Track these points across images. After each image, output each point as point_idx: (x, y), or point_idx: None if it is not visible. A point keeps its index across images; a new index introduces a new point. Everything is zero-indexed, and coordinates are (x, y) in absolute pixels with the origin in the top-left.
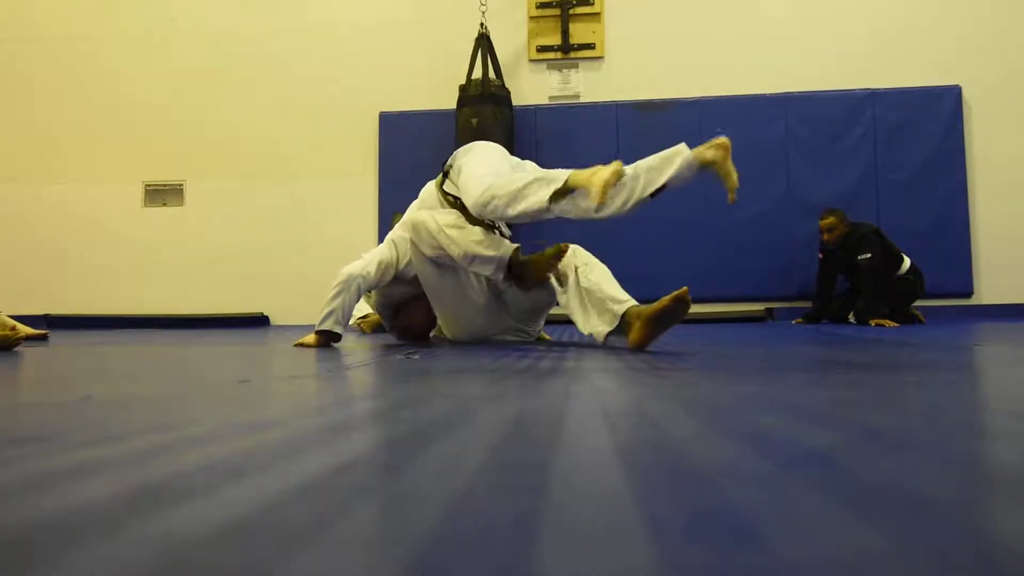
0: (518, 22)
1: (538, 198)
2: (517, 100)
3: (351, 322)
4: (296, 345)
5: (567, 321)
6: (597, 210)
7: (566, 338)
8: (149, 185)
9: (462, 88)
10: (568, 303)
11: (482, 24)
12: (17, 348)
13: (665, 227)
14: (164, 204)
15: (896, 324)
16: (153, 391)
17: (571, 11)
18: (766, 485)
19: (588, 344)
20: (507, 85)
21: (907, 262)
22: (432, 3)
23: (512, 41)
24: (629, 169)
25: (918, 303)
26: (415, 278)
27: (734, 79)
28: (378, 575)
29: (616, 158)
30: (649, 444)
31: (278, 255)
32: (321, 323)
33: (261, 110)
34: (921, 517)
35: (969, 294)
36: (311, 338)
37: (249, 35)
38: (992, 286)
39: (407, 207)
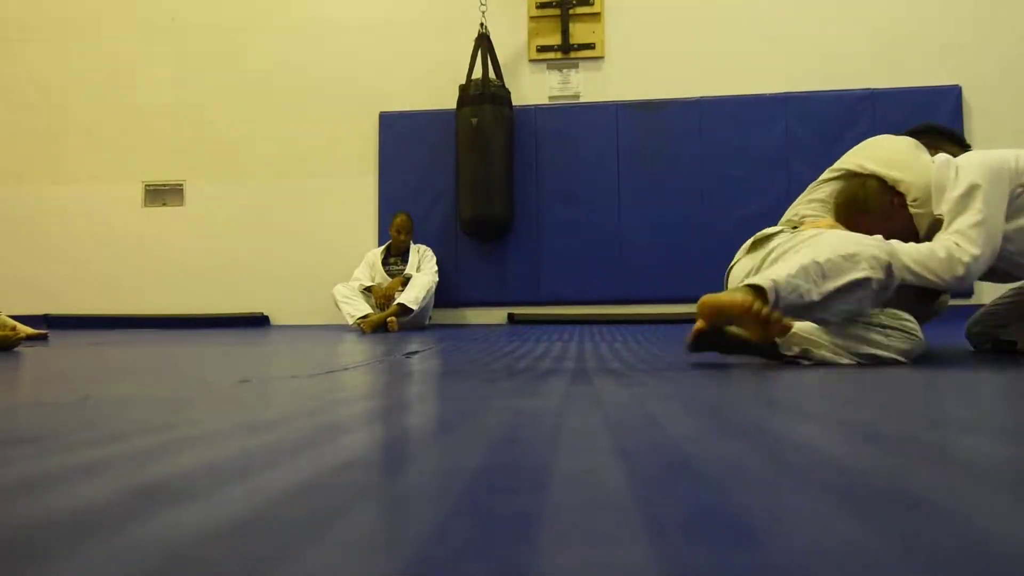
0: (518, 22)
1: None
2: (517, 100)
3: (351, 322)
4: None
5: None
6: None
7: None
8: (149, 185)
9: (462, 88)
10: None
11: (482, 24)
12: (17, 348)
13: (665, 227)
14: (164, 204)
15: None
16: (153, 391)
17: (571, 11)
18: (766, 485)
19: (586, 342)
20: (507, 85)
21: None
22: (432, 3)
23: (512, 41)
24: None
25: None
26: None
27: (734, 79)
28: (378, 575)
29: (616, 158)
30: (649, 444)
31: (278, 255)
32: None
33: (261, 110)
34: (921, 517)
35: (969, 294)
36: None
37: (249, 34)
38: (992, 286)
39: (407, 207)
